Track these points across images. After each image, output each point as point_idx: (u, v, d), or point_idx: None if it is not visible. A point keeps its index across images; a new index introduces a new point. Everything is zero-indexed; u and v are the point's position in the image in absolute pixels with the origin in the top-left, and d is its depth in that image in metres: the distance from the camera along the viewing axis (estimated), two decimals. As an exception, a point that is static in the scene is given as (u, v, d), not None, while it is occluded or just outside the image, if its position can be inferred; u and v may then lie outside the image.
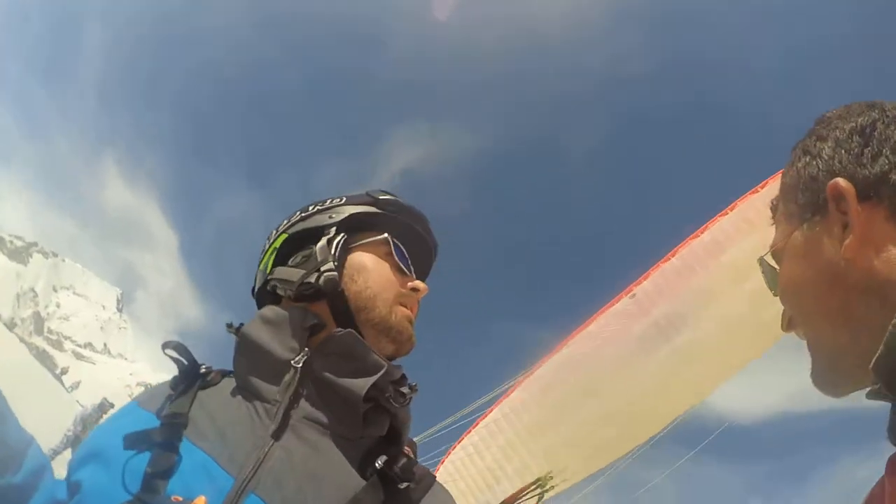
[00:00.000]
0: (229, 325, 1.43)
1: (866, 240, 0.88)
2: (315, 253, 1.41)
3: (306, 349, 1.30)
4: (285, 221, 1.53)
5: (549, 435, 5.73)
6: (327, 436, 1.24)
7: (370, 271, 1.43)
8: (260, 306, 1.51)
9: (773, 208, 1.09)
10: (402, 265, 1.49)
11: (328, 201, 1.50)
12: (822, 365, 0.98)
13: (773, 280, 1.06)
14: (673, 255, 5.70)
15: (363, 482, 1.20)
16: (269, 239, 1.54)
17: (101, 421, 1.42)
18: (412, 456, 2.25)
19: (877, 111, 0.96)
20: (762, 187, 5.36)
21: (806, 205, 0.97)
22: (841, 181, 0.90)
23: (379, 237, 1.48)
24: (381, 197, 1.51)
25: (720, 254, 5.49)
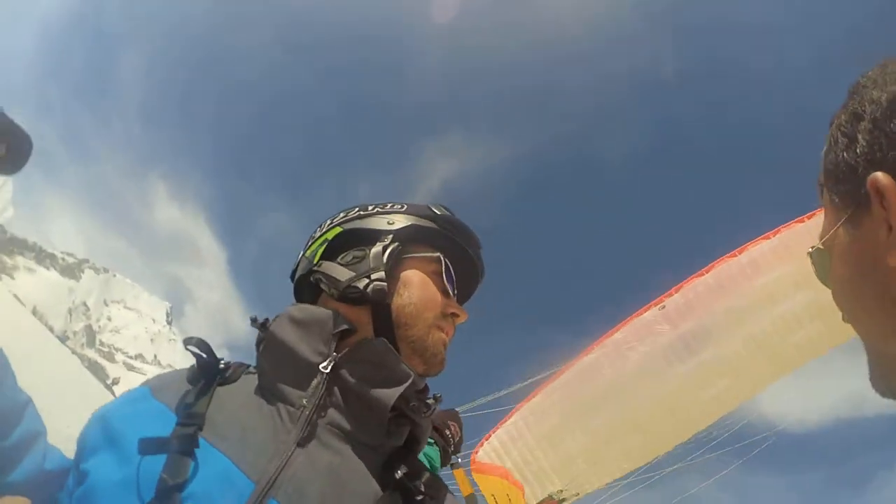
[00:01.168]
0: (254, 320, 1.39)
1: None
2: (368, 257, 1.36)
3: (334, 353, 1.26)
4: (342, 214, 1.48)
5: (568, 441, 5.73)
6: (349, 443, 1.22)
7: (417, 288, 1.39)
8: (298, 294, 1.50)
9: (820, 190, 0.98)
10: (448, 288, 1.45)
11: (388, 205, 1.47)
12: (876, 369, 0.91)
13: (824, 271, 0.97)
14: (707, 272, 5.64)
15: (381, 492, 1.18)
16: (320, 227, 1.50)
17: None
18: (459, 433, 2.22)
19: None
20: (808, 218, 5.22)
21: (847, 197, 0.87)
22: (881, 177, 0.79)
23: (432, 255, 1.45)
24: (440, 213, 1.47)
25: (756, 277, 5.40)
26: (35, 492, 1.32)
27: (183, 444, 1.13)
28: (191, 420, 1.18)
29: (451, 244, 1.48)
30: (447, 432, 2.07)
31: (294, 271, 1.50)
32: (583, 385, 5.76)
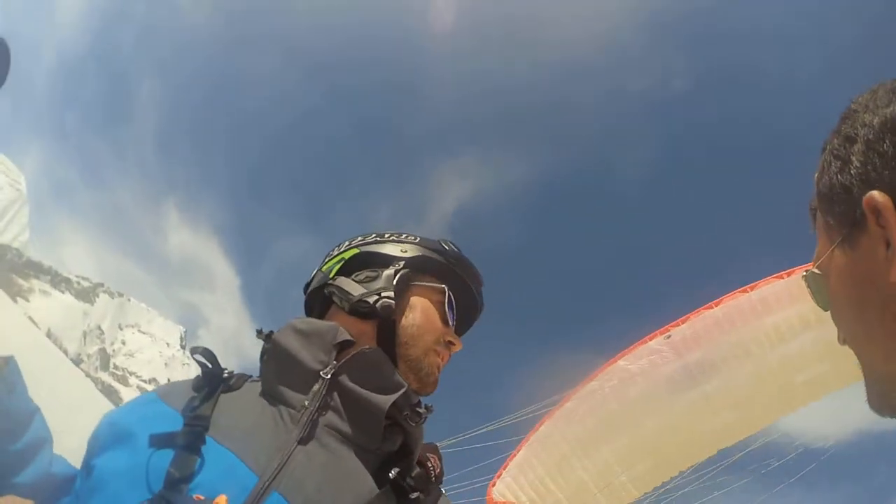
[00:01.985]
0: (259, 332, 1.50)
1: None
2: (381, 277, 1.49)
3: (334, 362, 1.35)
4: (359, 238, 1.62)
5: (578, 470, 5.64)
6: (346, 445, 1.30)
7: (420, 313, 1.51)
8: (309, 305, 1.62)
9: (812, 215, 1.00)
10: (449, 318, 1.56)
11: (403, 235, 1.61)
12: (874, 388, 0.91)
13: (822, 296, 0.98)
14: (716, 305, 5.66)
15: (377, 490, 1.27)
16: (338, 247, 1.63)
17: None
18: (439, 465, 2.29)
19: None
20: None
21: (842, 218, 0.88)
22: (877, 195, 0.80)
23: (437, 285, 1.56)
24: (449, 249, 1.60)
25: (766, 315, 5.43)
26: (40, 495, 1.38)
27: (190, 440, 1.22)
28: (197, 422, 1.27)
29: (455, 278, 1.61)
30: (428, 464, 2.01)
31: (308, 284, 1.63)
32: (589, 413, 5.71)
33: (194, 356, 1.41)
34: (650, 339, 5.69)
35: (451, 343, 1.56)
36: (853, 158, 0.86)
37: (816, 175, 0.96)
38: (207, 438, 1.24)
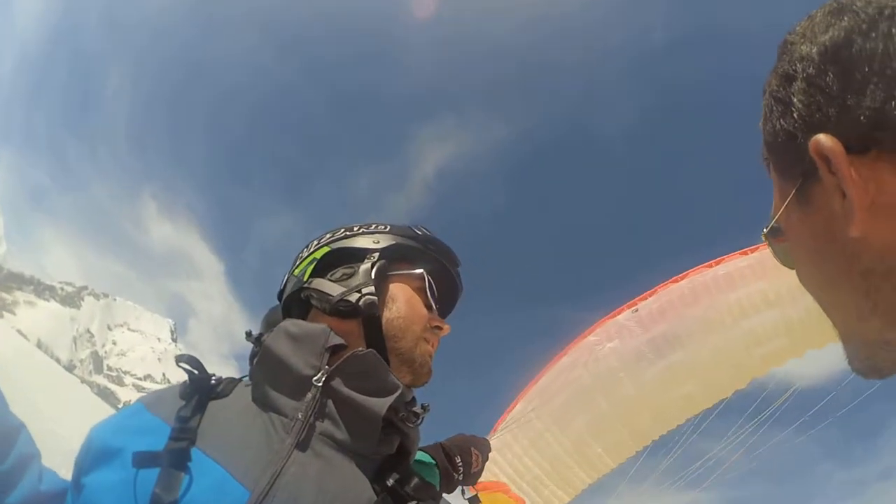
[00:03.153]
0: (248, 334, 1.47)
1: (876, 207, 0.68)
2: (357, 273, 1.44)
3: (326, 367, 1.30)
4: (328, 235, 1.56)
5: (554, 445, 5.85)
6: (342, 452, 1.25)
7: (404, 303, 1.47)
8: (286, 311, 1.54)
9: (766, 166, 0.88)
10: (431, 302, 1.52)
11: (373, 226, 1.56)
12: (854, 350, 0.82)
13: (784, 255, 0.89)
14: (682, 279, 5.79)
15: (374, 497, 1.23)
16: (307, 248, 1.57)
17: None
18: (480, 463, 2.13)
19: (847, 17, 0.73)
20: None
21: (792, 168, 0.78)
22: (823, 139, 0.70)
23: (415, 271, 1.52)
24: (421, 232, 1.56)
25: (730, 290, 5.56)
26: None
27: (175, 457, 1.16)
28: (184, 434, 1.20)
29: (432, 262, 1.56)
30: (457, 459, 2.00)
31: (281, 291, 1.55)
32: (561, 388, 5.89)
33: (179, 364, 1.35)
34: (618, 314, 5.84)
35: (438, 327, 1.53)
36: (794, 99, 0.75)
37: (761, 122, 0.85)
38: (195, 452, 1.18)
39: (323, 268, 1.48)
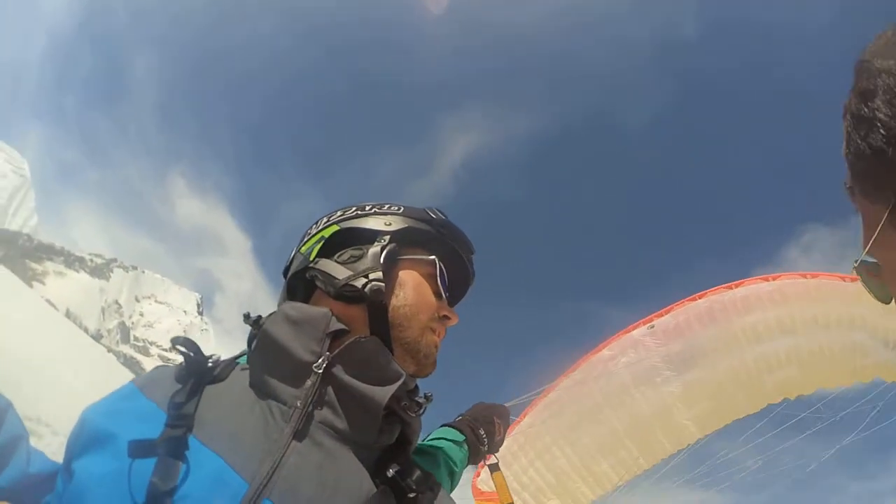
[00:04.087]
0: (247, 316, 1.39)
1: None
2: (366, 256, 1.38)
3: (327, 353, 1.25)
4: (339, 213, 1.50)
5: (560, 459, 5.81)
6: (341, 441, 1.21)
7: (412, 290, 1.41)
8: (291, 290, 1.49)
9: (851, 194, 0.83)
10: (441, 290, 1.47)
11: (386, 206, 1.49)
12: None
13: (880, 288, 0.83)
14: (700, 297, 5.70)
15: (375, 489, 1.19)
16: (316, 224, 1.51)
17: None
18: (502, 432, 2.14)
19: None
20: (812, 276, 5.30)
21: (882, 190, 0.73)
22: None
23: (427, 257, 1.46)
24: (436, 217, 1.50)
25: (746, 314, 5.46)
26: (20, 496, 1.31)
27: (173, 446, 1.12)
28: (180, 421, 1.16)
29: (445, 248, 1.51)
30: (480, 431, 2.00)
31: (287, 268, 1.50)
32: (571, 402, 5.83)
33: (176, 347, 1.29)
34: (633, 329, 5.76)
35: (446, 317, 1.47)
36: (878, 114, 0.71)
37: (844, 148, 0.80)
38: (191, 440, 1.14)
39: (330, 247, 1.43)
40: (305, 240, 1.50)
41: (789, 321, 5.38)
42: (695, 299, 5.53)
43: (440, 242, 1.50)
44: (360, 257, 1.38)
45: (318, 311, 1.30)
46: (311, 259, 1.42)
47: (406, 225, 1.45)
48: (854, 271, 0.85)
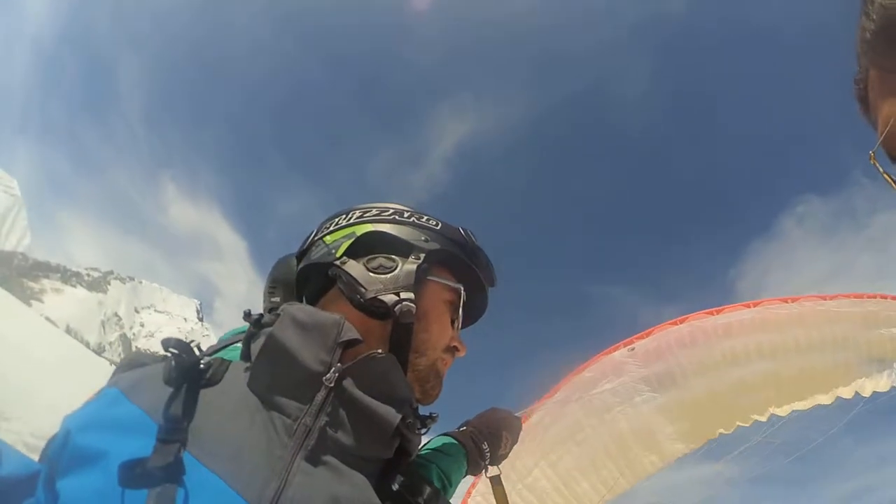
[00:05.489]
0: (247, 314, 1.30)
1: None
2: (399, 271, 1.30)
3: (338, 364, 1.16)
4: (374, 210, 1.42)
5: (542, 481, 5.92)
6: (345, 458, 1.13)
7: (435, 319, 1.36)
8: (303, 278, 1.43)
9: (859, 93, 0.79)
10: (459, 321, 1.43)
11: (424, 218, 1.43)
12: None
13: None
14: (682, 322, 5.81)
15: None
16: (346, 216, 1.42)
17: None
18: (508, 445, 2.00)
19: None
20: (793, 301, 5.43)
21: None
22: None
23: (454, 285, 1.41)
24: (469, 241, 1.45)
25: (727, 338, 5.55)
26: None
27: (167, 469, 1.00)
28: (174, 435, 1.05)
29: (472, 277, 1.46)
30: (483, 446, 1.92)
31: (304, 251, 1.43)
32: (552, 423, 5.92)
33: (167, 349, 1.17)
34: (614, 350, 5.86)
35: (455, 349, 1.42)
36: None
37: (858, 27, 0.74)
38: (187, 458, 1.02)
39: (360, 249, 1.35)
40: (332, 229, 1.41)
41: (769, 346, 5.53)
42: (676, 323, 5.62)
43: (469, 271, 1.45)
44: (391, 269, 1.30)
45: (329, 316, 1.21)
46: (338, 256, 1.34)
47: (442, 246, 1.39)
48: (872, 161, 0.78)
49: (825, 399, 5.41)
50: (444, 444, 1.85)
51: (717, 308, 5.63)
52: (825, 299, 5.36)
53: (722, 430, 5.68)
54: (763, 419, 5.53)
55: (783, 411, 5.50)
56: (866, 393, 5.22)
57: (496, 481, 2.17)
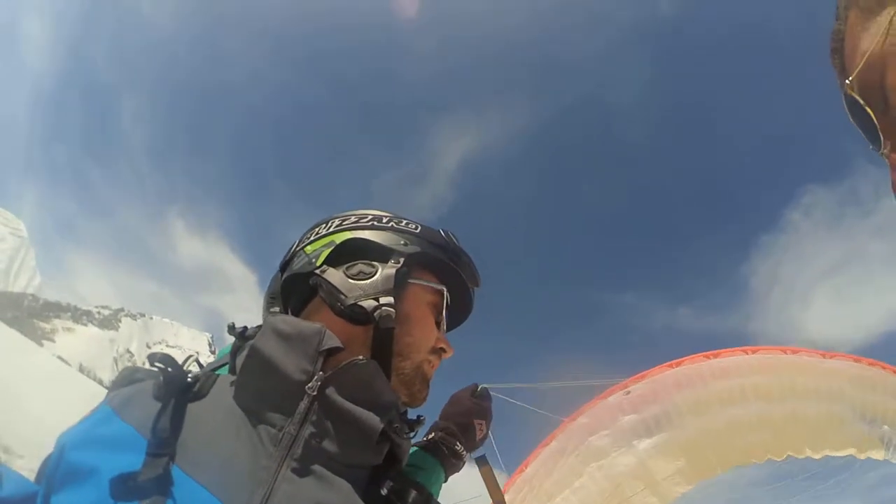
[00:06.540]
0: (231, 327, 1.31)
1: None
2: (377, 276, 1.31)
3: (321, 373, 1.17)
4: (353, 218, 1.43)
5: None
6: (332, 466, 1.14)
7: (418, 322, 1.37)
8: (288, 289, 1.43)
9: (834, 49, 0.81)
10: (443, 322, 1.44)
11: (403, 222, 1.44)
12: None
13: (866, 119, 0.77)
14: (678, 365, 5.83)
15: None
16: (325, 225, 1.44)
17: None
18: (485, 430, 1.98)
19: None
20: (793, 352, 5.46)
21: None
22: None
23: (437, 286, 1.43)
24: (451, 244, 1.46)
25: (723, 378, 5.54)
26: None
27: (157, 482, 1.03)
28: (162, 449, 1.07)
29: (455, 278, 1.47)
30: (457, 447, 1.88)
31: (286, 262, 1.44)
32: (548, 474, 5.90)
33: (154, 364, 1.20)
34: (609, 395, 5.87)
35: (442, 350, 1.43)
36: None
37: None
38: (175, 471, 1.05)
39: (339, 256, 1.36)
40: (312, 238, 1.42)
41: (765, 388, 5.51)
42: (672, 366, 5.63)
43: (451, 272, 1.46)
44: (370, 275, 1.31)
45: (310, 326, 1.22)
46: (318, 265, 1.35)
47: (422, 249, 1.40)
48: (848, 90, 0.77)
49: (817, 455, 5.38)
50: (416, 459, 1.83)
51: (713, 352, 5.63)
52: (825, 357, 5.34)
53: (719, 471, 5.66)
54: (761, 462, 5.51)
55: (779, 455, 5.48)
56: (861, 456, 5.21)
57: (482, 461, 2.13)
